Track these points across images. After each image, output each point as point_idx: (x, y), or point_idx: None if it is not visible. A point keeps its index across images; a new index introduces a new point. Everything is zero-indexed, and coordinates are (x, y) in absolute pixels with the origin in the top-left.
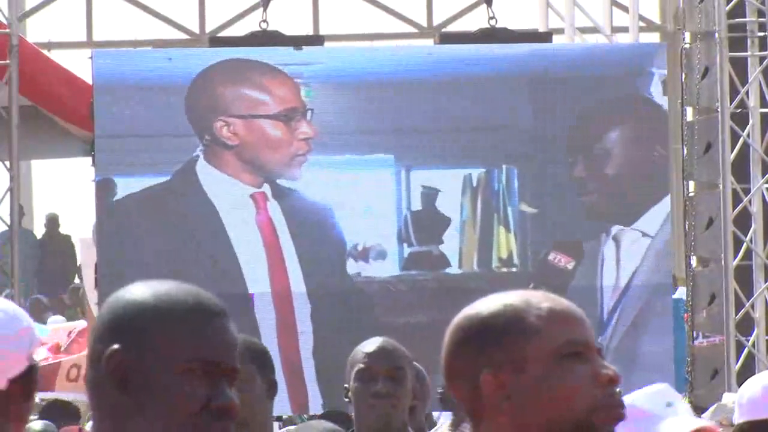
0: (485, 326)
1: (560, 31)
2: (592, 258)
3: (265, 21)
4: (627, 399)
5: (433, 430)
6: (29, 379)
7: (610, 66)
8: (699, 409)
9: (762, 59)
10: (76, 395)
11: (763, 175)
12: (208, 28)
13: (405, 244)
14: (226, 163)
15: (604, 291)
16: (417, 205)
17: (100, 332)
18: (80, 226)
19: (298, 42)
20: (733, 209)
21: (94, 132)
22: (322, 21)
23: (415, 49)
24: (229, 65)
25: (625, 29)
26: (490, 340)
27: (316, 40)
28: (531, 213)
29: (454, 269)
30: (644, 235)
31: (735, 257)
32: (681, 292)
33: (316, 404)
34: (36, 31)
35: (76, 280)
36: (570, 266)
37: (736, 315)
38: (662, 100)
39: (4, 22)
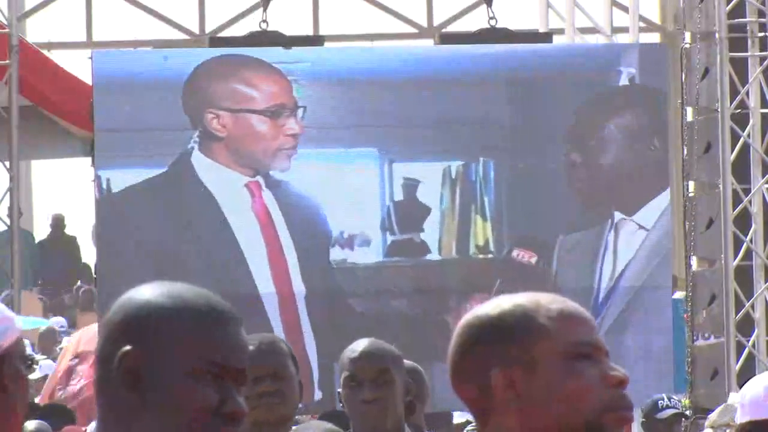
0: (496, 326)
1: (560, 31)
2: (584, 248)
3: (265, 21)
4: None
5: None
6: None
7: (577, 66)
8: (699, 410)
9: (762, 59)
10: None
11: (764, 176)
12: (208, 28)
13: (388, 233)
14: (219, 154)
15: (601, 283)
16: (399, 195)
17: (112, 332)
18: (80, 226)
19: (298, 42)
20: (734, 209)
21: (94, 128)
22: (322, 21)
23: (398, 50)
24: (224, 60)
25: (625, 29)
26: (500, 339)
27: (315, 40)
28: (508, 203)
29: (434, 256)
30: (640, 227)
31: (735, 257)
32: (681, 293)
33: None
34: (36, 31)
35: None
36: (533, 261)
37: (736, 315)
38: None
39: (4, 22)
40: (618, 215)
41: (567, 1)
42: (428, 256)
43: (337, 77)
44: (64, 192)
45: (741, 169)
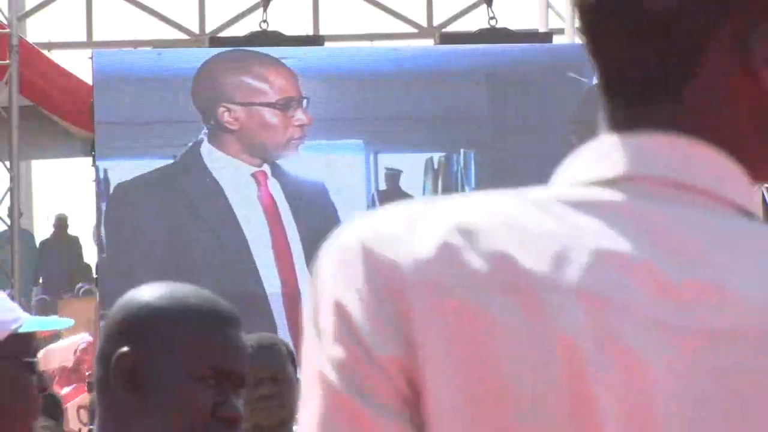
0: None
1: (560, 31)
2: None
3: (265, 21)
4: None
5: None
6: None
7: (577, 66)
8: None
9: None
10: None
11: None
12: (208, 28)
13: None
14: (229, 145)
15: None
16: (383, 185)
17: (111, 332)
18: (81, 226)
19: (298, 42)
20: None
21: (94, 121)
22: (322, 21)
23: (384, 50)
24: (233, 56)
25: None
26: None
27: (316, 40)
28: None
29: None
30: None
31: None
32: None
33: None
34: (36, 31)
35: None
36: None
37: None
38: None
39: (4, 22)
40: None
41: (567, 1)
42: None
43: (337, 73)
44: (64, 192)
45: None
